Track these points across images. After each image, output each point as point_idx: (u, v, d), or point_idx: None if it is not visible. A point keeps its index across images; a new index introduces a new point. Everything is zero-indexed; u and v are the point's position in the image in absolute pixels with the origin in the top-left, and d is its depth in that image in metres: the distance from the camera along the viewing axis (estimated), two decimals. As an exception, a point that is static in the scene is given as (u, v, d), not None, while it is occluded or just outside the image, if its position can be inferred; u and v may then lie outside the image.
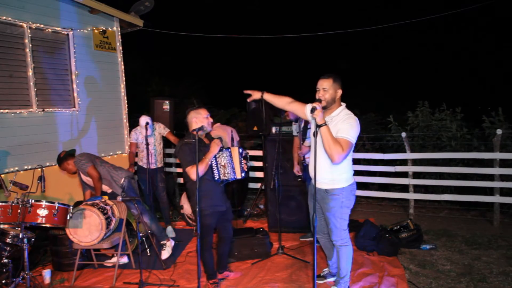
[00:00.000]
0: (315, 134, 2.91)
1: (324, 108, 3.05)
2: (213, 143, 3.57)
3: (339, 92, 3.18)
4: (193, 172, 3.28)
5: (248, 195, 6.79)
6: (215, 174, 3.54)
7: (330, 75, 3.16)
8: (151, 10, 6.65)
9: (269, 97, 3.36)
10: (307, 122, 4.35)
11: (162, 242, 4.42)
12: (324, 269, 3.92)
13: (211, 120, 3.63)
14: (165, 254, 4.42)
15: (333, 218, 3.25)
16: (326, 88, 3.13)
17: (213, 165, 3.53)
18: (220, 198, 3.60)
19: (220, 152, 3.56)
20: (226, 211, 3.67)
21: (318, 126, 2.90)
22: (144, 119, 5.05)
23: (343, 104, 3.24)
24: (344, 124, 3.08)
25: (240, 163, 3.62)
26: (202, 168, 3.35)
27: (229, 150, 3.62)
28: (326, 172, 3.18)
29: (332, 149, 2.94)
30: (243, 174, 3.63)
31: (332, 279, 3.74)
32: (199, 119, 3.56)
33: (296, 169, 4.76)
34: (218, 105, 11.03)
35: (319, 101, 3.04)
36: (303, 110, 3.32)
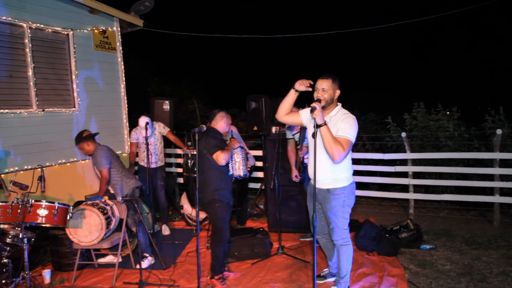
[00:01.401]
0: (314, 135, 2.90)
1: (322, 108, 3.04)
2: (233, 139, 3.90)
3: (338, 92, 3.19)
4: (221, 157, 3.53)
5: (248, 195, 6.78)
6: (229, 168, 3.77)
7: (329, 75, 3.16)
8: (151, 10, 6.64)
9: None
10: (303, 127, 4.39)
11: (144, 254, 4.41)
12: (324, 269, 3.92)
13: (232, 128, 4.05)
14: (144, 264, 4.36)
15: (334, 217, 3.25)
16: (326, 88, 3.12)
17: (229, 159, 3.71)
18: (231, 192, 3.78)
19: (237, 149, 3.80)
20: (232, 206, 3.82)
21: (318, 126, 2.89)
22: (143, 120, 5.04)
23: (339, 104, 3.25)
24: (343, 123, 3.09)
25: (246, 163, 3.90)
26: (227, 154, 3.58)
27: (244, 149, 3.86)
28: (328, 172, 3.18)
29: (333, 148, 2.94)
30: (248, 174, 3.93)
31: (332, 279, 3.74)
32: (226, 121, 3.84)
33: (295, 174, 4.72)
34: (218, 105, 11.02)
35: (319, 101, 3.04)
36: (298, 118, 3.35)
